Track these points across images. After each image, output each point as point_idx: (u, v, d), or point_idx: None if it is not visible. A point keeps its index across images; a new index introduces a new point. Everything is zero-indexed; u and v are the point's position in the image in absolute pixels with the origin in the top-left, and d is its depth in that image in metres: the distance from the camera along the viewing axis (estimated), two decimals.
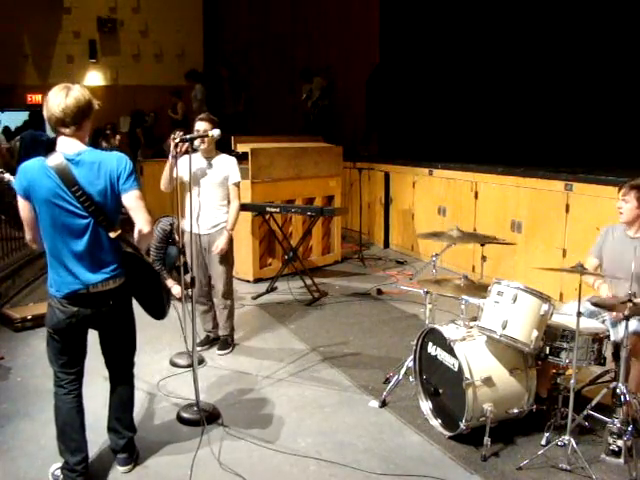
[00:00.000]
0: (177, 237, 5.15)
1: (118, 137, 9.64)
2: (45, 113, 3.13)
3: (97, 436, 3.71)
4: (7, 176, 5.37)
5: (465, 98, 9.36)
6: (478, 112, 9.19)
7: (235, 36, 14.32)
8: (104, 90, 14.10)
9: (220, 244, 5.02)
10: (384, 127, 10.63)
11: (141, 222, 3.19)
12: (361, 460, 3.66)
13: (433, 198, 8.35)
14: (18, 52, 14.27)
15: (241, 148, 7.37)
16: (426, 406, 4.10)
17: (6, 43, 13.86)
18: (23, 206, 3.17)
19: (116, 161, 3.18)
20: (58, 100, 3.07)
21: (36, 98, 14.25)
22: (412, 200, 8.85)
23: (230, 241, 5.11)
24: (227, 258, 5.15)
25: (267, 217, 7.08)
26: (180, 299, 5.51)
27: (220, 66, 13.15)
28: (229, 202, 5.15)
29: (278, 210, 7.02)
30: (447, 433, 3.89)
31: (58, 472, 3.46)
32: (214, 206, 5.09)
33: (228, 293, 5.27)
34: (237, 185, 5.15)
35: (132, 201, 3.18)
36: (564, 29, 8.25)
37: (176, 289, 5.96)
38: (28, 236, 3.30)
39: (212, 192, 5.07)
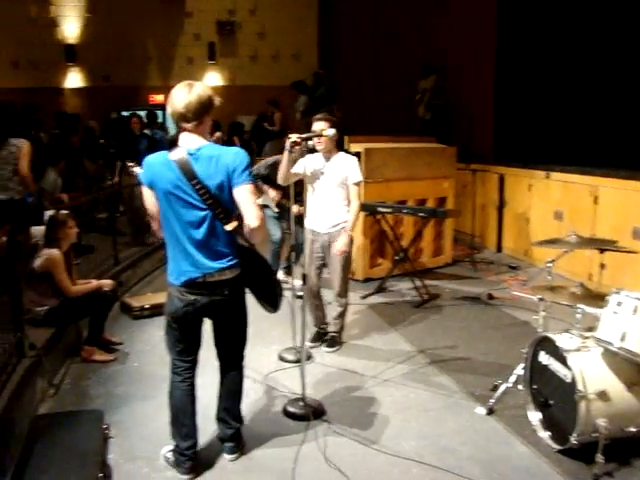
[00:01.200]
0: None
1: (217, 134, 9.90)
2: (168, 109, 3.28)
3: (207, 424, 3.84)
4: (137, 170, 5.76)
5: (585, 98, 8.97)
6: (599, 113, 8.78)
7: (350, 36, 14.36)
8: (222, 90, 14.51)
9: (340, 246, 5.08)
10: (500, 129, 10.38)
11: (250, 216, 3.24)
12: (464, 467, 3.60)
13: (549, 202, 8.07)
14: (142, 55, 14.99)
15: (354, 148, 7.41)
16: (535, 417, 3.96)
17: (132, 46, 14.62)
18: (148, 198, 3.34)
19: (233, 155, 3.27)
20: (182, 96, 3.20)
21: (158, 98, 14.90)
22: (527, 204, 8.60)
23: (350, 242, 5.16)
24: (346, 257, 5.20)
25: (379, 217, 7.09)
26: (279, 205, 5.78)
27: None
28: (350, 201, 5.20)
29: (390, 210, 7.01)
30: (556, 446, 3.74)
31: (169, 454, 3.62)
32: (334, 205, 5.14)
33: (343, 292, 5.32)
34: (357, 185, 5.15)
35: (243, 195, 3.25)
36: None
37: (272, 193, 6.10)
38: (154, 226, 3.47)
39: (332, 191, 5.13)
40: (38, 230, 5.57)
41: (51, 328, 4.93)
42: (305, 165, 4.76)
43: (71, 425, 3.77)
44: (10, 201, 5.80)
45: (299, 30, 15.22)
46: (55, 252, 4.95)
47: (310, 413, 4.10)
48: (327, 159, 5.14)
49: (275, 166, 6.89)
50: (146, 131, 9.57)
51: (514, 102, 9.86)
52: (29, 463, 3.36)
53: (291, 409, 4.22)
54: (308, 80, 13.41)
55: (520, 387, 4.17)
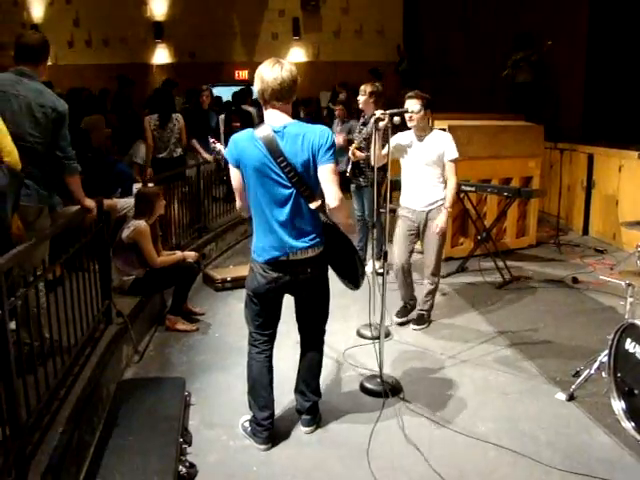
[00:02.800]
0: None
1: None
2: (259, 86, 3.25)
3: (284, 396, 3.92)
4: (218, 146, 5.89)
5: None
6: None
7: (436, 11, 14.06)
8: (306, 66, 14.53)
9: (440, 223, 5.04)
10: (590, 106, 9.98)
11: (330, 196, 3.24)
12: (542, 452, 3.53)
13: None
14: (228, 31, 15.12)
15: (438, 124, 7.28)
16: (618, 406, 3.83)
17: (217, 23, 14.78)
18: (234, 175, 3.37)
19: (319, 133, 3.26)
20: (275, 74, 3.18)
21: (243, 74, 15.05)
22: (617, 185, 8.25)
23: (447, 219, 5.12)
24: (442, 236, 5.17)
25: (462, 196, 6.97)
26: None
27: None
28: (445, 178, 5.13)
29: (474, 189, 6.89)
30: None
31: (247, 424, 3.71)
32: (431, 183, 5.11)
33: (437, 270, 5.30)
34: (454, 162, 5.09)
35: (326, 174, 3.25)
36: None
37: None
38: (238, 203, 3.51)
39: (427, 169, 5.09)
40: (127, 202, 5.76)
41: (137, 297, 5.11)
42: (394, 144, 4.71)
43: (154, 391, 3.92)
44: (175, 158, 7.58)
45: (383, 5, 14.98)
46: (142, 224, 5.10)
47: (387, 390, 4.11)
48: (420, 137, 5.10)
49: None
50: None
51: (605, 79, 9.47)
52: (115, 425, 3.52)
53: (368, 385, 4.24)
54: (390, 56, 13.26)
55: (604, 374, 4.04)
